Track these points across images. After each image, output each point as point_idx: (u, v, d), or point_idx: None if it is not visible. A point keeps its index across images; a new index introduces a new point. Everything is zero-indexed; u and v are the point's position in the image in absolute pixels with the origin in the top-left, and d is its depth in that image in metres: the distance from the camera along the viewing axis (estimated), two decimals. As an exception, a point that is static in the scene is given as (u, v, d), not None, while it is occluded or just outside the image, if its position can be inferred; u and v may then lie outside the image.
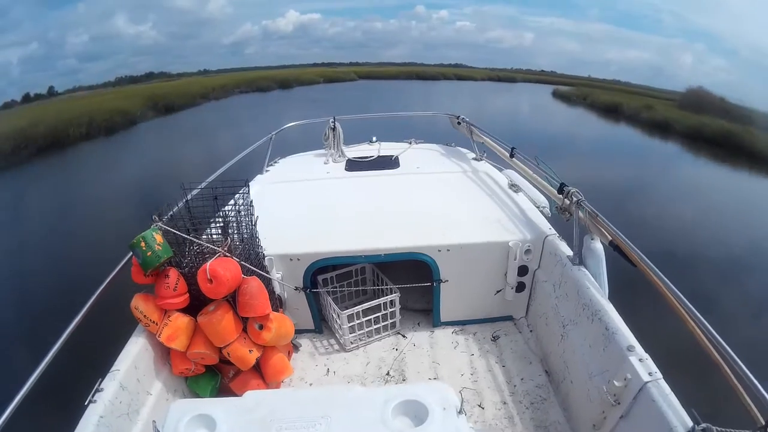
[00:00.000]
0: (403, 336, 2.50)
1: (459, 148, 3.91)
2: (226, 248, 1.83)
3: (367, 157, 3.63)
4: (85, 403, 1.57)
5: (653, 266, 1.59)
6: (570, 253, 2.11)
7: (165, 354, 2.03)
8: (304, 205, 2.88)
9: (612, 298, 1.86)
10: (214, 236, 1.93)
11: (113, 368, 1.76)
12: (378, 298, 2.45)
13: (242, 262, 1.87)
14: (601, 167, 9.89)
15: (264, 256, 2.16)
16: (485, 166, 3.38)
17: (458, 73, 41.49)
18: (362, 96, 25.06)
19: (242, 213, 1.96)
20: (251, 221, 2.04)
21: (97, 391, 1.62)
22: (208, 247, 1.84)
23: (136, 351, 1.88)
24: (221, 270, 1.77)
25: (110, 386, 1.65)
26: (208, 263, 1.76)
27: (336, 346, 2.46)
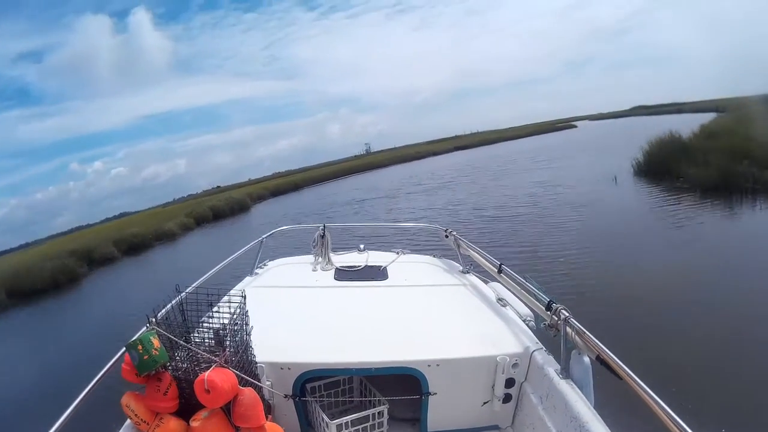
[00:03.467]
0: None
1: (446, 259, 4.03)
2: (223, 359, 1.83)
3: (355, 267, 3.70)
4: None
5: (639, 380, 1.62)
6: (557, 366, 2.14)
7: None
8: (294, 313, 2.92)
9: (599, 408, 1.89)
10: (209, 343, 1.93)
11: None
12: (365, 407, 2.44)
13: (238, 373, 1.87)
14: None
15: (256, 365, 2.17)
16: (472, 279, 3.47)
17: (122, 225, 33.83)
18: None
19: (238, 323, 1.98)
20: (246, 331, 2.07)
21: None
22: (205, 356, 1.84)
23: None
24: (219, 381, 1.77)
25: None
26: (206, 374, 1.76)
27: None
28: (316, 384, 2.57)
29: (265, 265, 3.98)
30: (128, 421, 1.97)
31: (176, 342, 1.89)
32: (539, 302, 2.44)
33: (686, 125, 19.07)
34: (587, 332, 1.99)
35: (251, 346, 2.11)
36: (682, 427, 1.37)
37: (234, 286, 2.24)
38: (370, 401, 2.55)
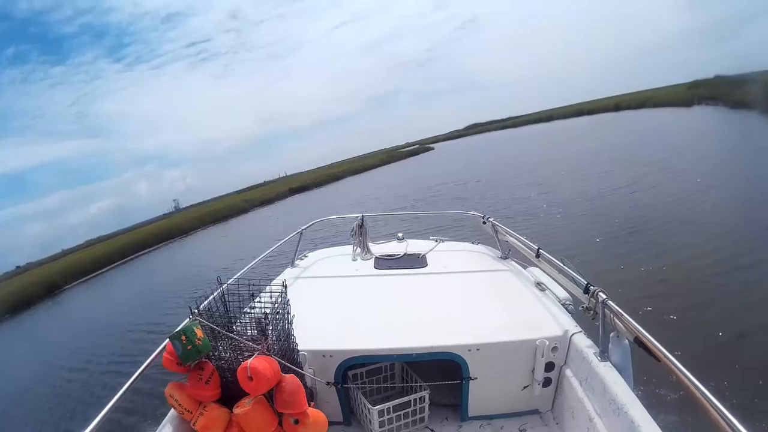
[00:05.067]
0: (432, 430, 2.47)
1: (484, 246, 4.00)
2: (265, 347, 1.84)
3: (394, 255, 3.71)
4: None
5: (678, 364, 1.59)
6: (596, 349, 2.14)
7: None
8: (335, 302, 2.95)
9: (636, 391, 1.88)
10: (251, 333, 1.94)
11: None
12: (406, 392, 2.45)
13: (280, 360, 1.87)
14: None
15: (298, 352, 2.18)
16: (511, 265, 3.45)
17: None
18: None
19: (280, 312, 1.99)
20: (288, 320, 2.07)
21: None
22: (248, 345, 1.85)
23: None
24: (261, 368, 1.78)
25: None
26: (249, 361, 1.77)
27: None
28: (358, 371, 2.58)
29: (305, 256, 4.02)
30: (172, 410, 2.01)
31: (219, 332, 1.90)
32: (577, 285, 2.43)
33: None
34: (625, 314, 1.97)
35: (293, 335, 2.12)
36: (722, 412, 1.32)
37: (274, 278, 2.26)
38: (411, 387, 2.56)
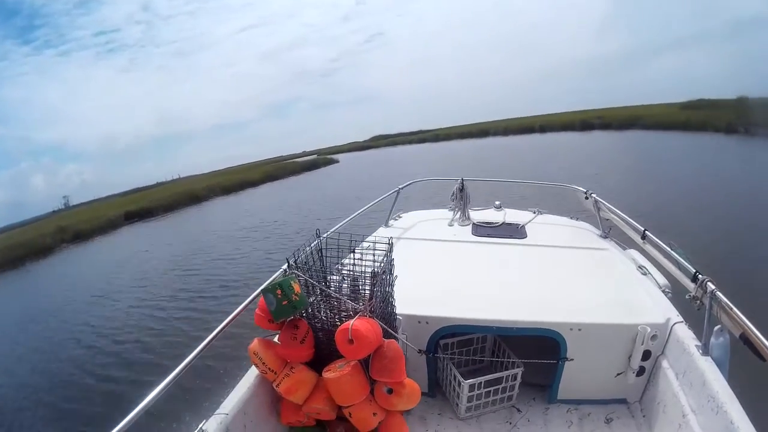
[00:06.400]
0: (518, 410, 2.34)
1: (584, 223, 3.80)
2: (369, 309, 1.68)
3: (493, 223, 3.58)
4: None
5: None
6: (697, 341, 1.98)
7: (276, 401, 1.96)
8: (431, 266, 2.84)
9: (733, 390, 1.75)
10: (348, 291, 1.79)
11: (219, 410, 1.69)
12: (495, 368, 2.34)
13: (382, 324, 1.72)
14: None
15: (396, 317, 2.06)
16: (611, 244, 3.26)
17: None
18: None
19: (384, 272, 1.83)
20: (391, 281, 1.92)
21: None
22: (350, 305, 1.70)
23: (246, 396, 1.81)
24: (364, 331, 1.65)
25: (214, 431, 1.59)
26: (352, 322, 1.63)
27: (449, 413, 2.33)
28: (449, 341, 2.47)
29: (399, 217, 3.90)
30: (252, 368, 1.91)
31: (316, 287, 1.75)
32: (683, 272, 2.27)
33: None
34: (734, 308, 1.84)
35: (393, 297, 1.98)
36: None
37: (370, 237, 2.11)
38: (501, 363, 2.43)
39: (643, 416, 2.25)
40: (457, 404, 2.26)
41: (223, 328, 1.88)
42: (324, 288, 1.76)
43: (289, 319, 1.80)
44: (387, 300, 1.90)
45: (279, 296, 1.69)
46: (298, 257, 1.84)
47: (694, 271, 2.15)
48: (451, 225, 3.63)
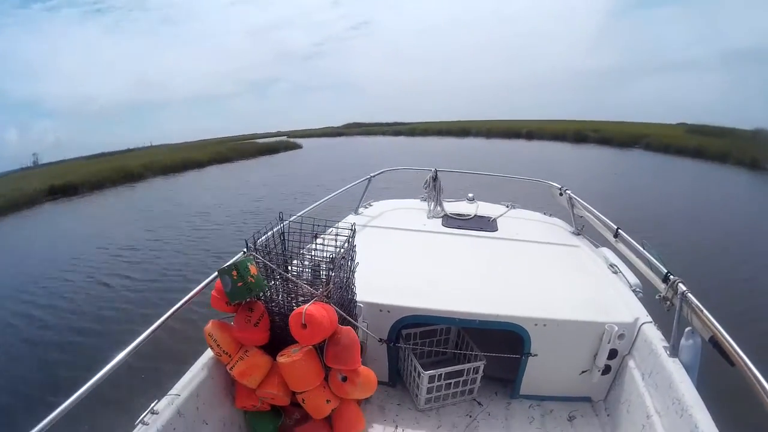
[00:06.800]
0: (479, 404, 2.33)
1: (557, 219, 3.81)
2: (325, 294, 1.65)
3: (464, 215, 3.57)
4: (135, 423, 1.47)
5: (755, 369, 1.45)
6: (666, 343, 1.98)
7: (229, 385, 1.92)
8: (398, 255, 2.81)
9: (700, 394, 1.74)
10: (308, 276, 1.76)
11: (172, 392, 1.65)
12: (458, 360, 2.31)
13: (338, 310, 1.69)
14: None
15: (355, 304, 2.03)
16: (583, 242, 3.25)
17: None
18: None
19: (345, 257, 1.79)
20: (352, 267, 1.88)
21: (152, 413, 1.51)
22: (306, 289, 1.66)
23: (200, 379, 1.77)
24: (318, 316, 1.61)
25: (166, 411, 1.55)
26: (306, 307, 1.60)
27: (408, 404, 2.31)
28: (412, 331, 2.44)
29: (370, 205, 3.89)
30: (207, 351, 1.87)
31: (274, 271, 1.71)
32: (655, 273, 2.25)
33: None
34: (705, 311, 1.82)
35: (353, 284, 1.94)
36: None
37: (335, 224, 2.08)
38: (464, 355, 2.41)
39: (608, 415, 2.25)
40: (417, 395, 2.24)
41: (178, 309, 1.82)
42: (282, 272, 1.72)
43: (246, 301, 1.77)
44: (347, 287, 1.86)
45: (234, 278, 1.65)
46: (258, 240, 1.79)
47: (666, 271, 2.14)
48: (421, 215, 3.60)
